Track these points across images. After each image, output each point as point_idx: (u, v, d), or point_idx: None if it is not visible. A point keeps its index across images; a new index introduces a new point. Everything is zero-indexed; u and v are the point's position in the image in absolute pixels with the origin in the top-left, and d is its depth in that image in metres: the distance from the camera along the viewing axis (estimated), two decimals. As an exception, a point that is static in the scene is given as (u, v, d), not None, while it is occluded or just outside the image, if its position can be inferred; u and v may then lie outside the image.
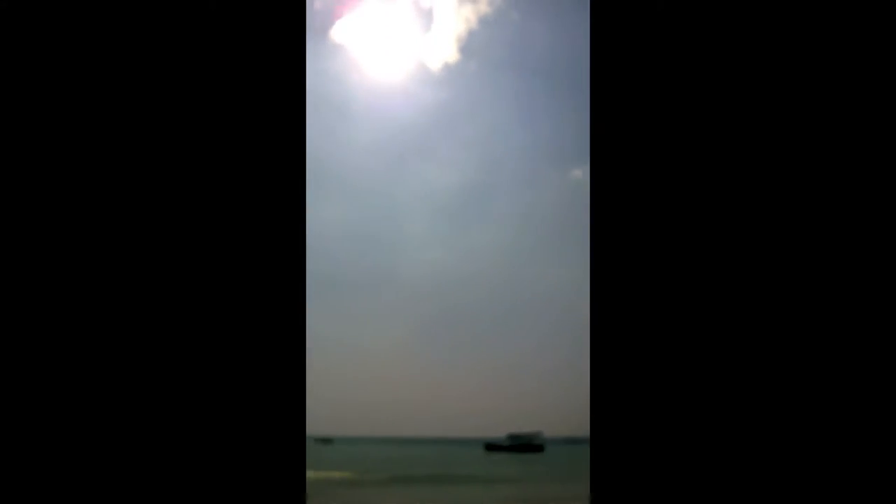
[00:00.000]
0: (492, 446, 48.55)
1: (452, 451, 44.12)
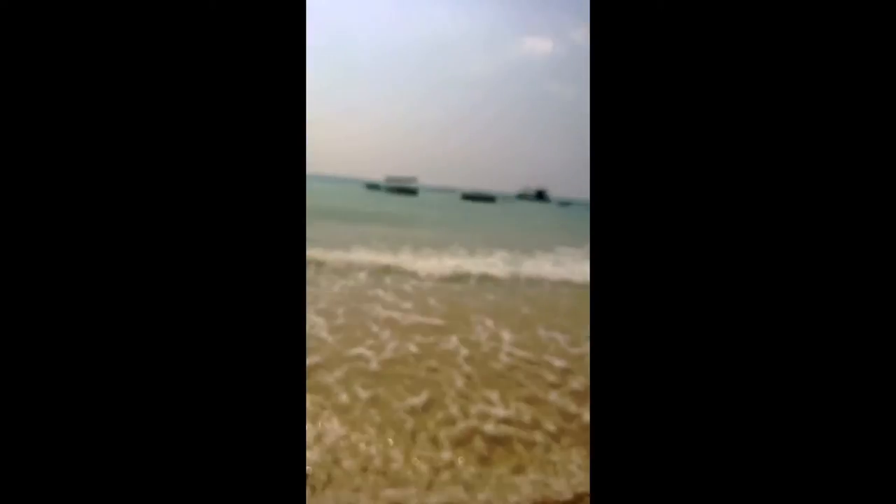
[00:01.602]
0: (371, 185, 53.00)
1: (336, 188, 46.96)
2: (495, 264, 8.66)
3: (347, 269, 6.85)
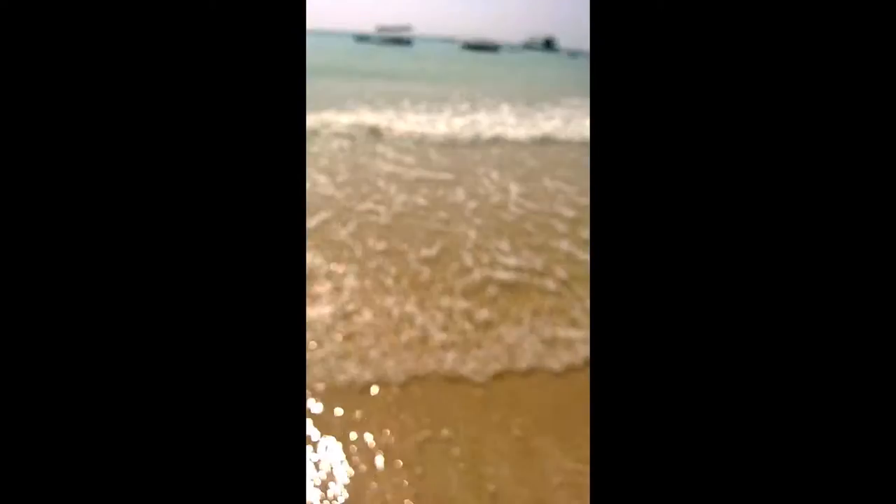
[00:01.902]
0: (362, 38, 48.25)
1: (323, 42, 42.80)
2: (500, 118, 8.19)
3: (344, 127, 6.47)
